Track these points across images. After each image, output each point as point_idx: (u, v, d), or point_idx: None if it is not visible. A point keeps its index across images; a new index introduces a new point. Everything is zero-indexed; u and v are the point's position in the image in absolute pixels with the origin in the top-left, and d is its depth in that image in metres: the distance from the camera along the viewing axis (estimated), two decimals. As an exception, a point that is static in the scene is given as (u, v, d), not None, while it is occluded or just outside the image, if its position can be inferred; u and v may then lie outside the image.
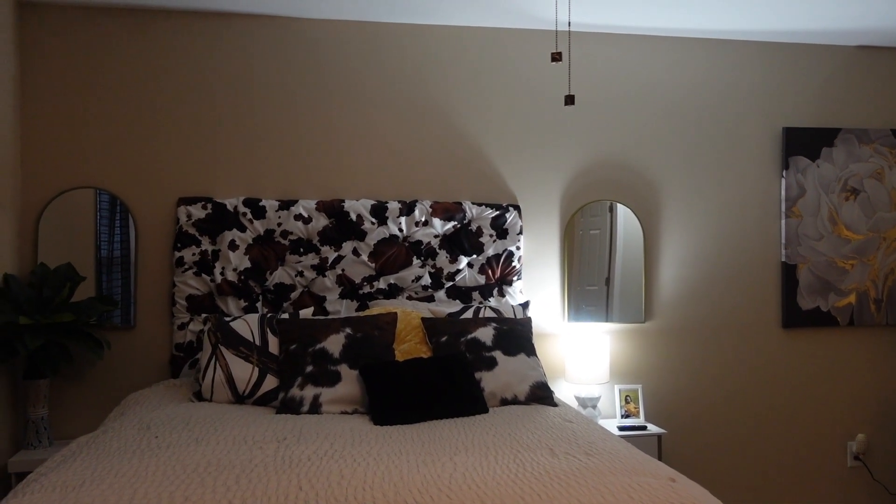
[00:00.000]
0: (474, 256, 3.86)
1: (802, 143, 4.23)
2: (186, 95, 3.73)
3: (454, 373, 3.05)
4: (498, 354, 3.29)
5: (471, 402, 2.96)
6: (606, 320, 4.07)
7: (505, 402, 3.17)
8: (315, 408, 2.96)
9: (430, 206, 3.81)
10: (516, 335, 3.41)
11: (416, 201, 3.82)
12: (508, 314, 3.59)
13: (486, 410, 2.97)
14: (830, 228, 4.26)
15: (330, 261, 3.70)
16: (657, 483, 1.98)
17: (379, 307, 3.57)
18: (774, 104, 4.26)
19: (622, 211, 4.09)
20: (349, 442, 2.41)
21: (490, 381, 3.19)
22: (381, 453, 2.26)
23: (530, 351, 3.39)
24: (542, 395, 3.23)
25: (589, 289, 4.06)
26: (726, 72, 4.21)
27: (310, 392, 3.00)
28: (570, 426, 2.68)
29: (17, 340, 3.18)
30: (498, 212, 3.88)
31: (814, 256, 4.24)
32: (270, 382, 3.14)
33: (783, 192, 4.24)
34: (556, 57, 2.29)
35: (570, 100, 2.35)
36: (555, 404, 3.20)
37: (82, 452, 2.29)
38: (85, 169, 3.65)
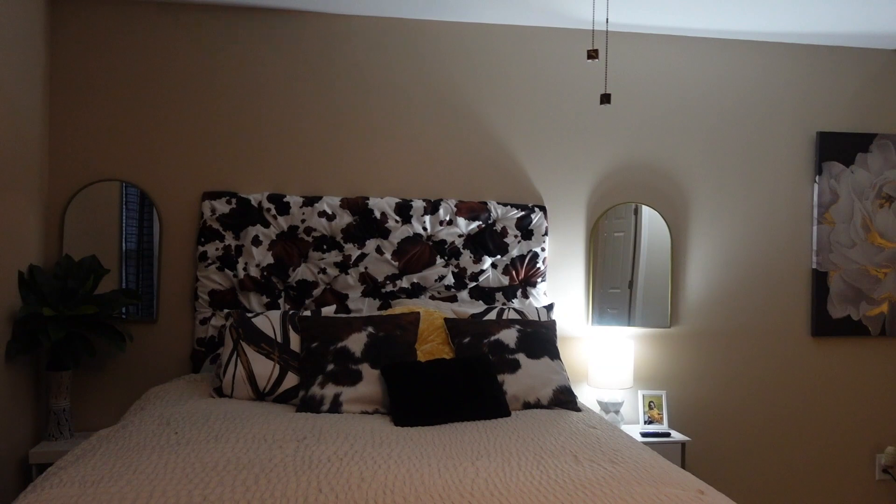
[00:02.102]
0: (498, 257, 3.82)
1: (837, 148, 4.14)
2: (213, 90, 3.72)
3: (477, 375, 3.01)
4: (521, 357, 3.24)
5: (493, 405, 2.91)
6: (629, 323, 4.00)
7: (528, 405, 3.13)
8: (335, 407, 2.93)
9: (455, 206, 3.77)
10: (540, 338, 3.36)
11: (441, 200, 3.78)
12: (532, 316, 3.55)
13: (508, 414, 2.92)
14: (864, 236, 4.16)
15: (353, 258, 3.68)
16: (685, 495, 1.92)
17: (401, 306, 3.54)
18: (809, 108, 4.17)
19: (647, 214, 4.02)
20: (369, 443, 2.37)
21: (513, 384, 3.14)
22: (402, 456, 2.22)
23: (554, 354, 3.34)
24: (565, 399, 3.18)
25: (611, 291, 4.01)
26: (760, 74, 4.13)
27: (330, 391, 2.97)
28: (595, 432, 2.63)
29: (40, 332, 3.19)
30: (523, 212, 3.83)
31: (846, 264, 4.15)
32: (291, 380, 3.12)
33: (816, 198, 4.14)
34: (592, 54, 2.23)
35: (605, 98, 2.30)
36: (578, 409, 3.15)
37: (102, 447, 2.27)
38: (111, 162, 3.65)
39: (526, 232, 3.84)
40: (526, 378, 3.17)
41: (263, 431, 2.46)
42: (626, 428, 3.81)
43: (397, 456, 2.22)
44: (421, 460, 2.18)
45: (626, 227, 4.04)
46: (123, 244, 3.65)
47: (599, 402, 3.80)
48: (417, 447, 2.35)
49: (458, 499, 1.86)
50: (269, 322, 3.28)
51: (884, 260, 4.17)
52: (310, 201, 3.67)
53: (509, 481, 2.00)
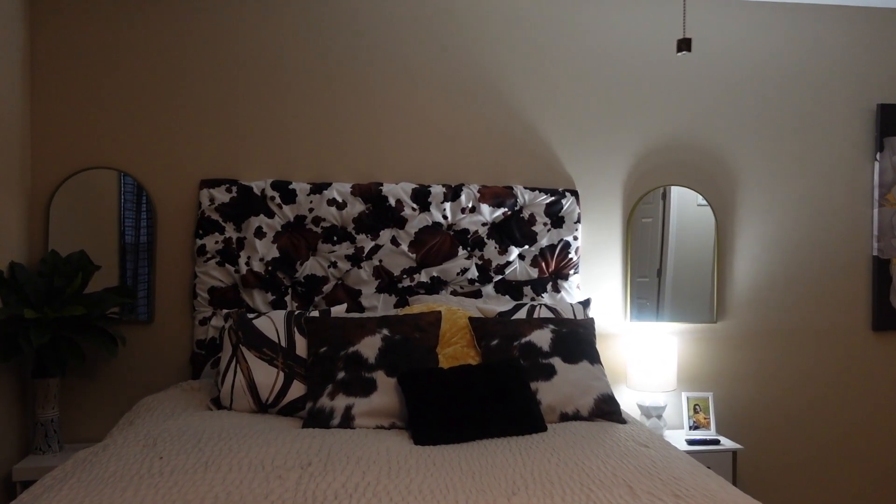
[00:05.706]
0: (526, 247, 3.50)
1: (900, 121, 3.77)
2: (209, 68, 3.39)
3: (507, 383, 2.65)
4: (557, 362, 2.88)
5: (527, 419, 2.55)
6: (657, 314, 3.64)
7: (565, 417, 2.77)
8: (347, 421, 2.59)
9: (478, 191, 3.45)
10: (577, 339, 3.00)
11: (463, 185, 3.45)
12: (567, 314, 3.19)
13: (544, 428, 2.56)
14: (930, 219, 3.79)
15: (366, 251, 3.36)
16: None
17: (420, 304, 3.20)
18: (868, 77, 3.81)
19: (687, 197, 3.65)
20: (385, 470, 2.03)
21: (548, 393, 2.79)
22: (424, 488, 1.87)
23: (594, 358, 2.97)
24: (608, 409, 2.82)
25: (640, 280, 3.65)
26: (815, 41, 3.75)
27: (341, 402, 2.63)
28: (647, 452, 2.27)
29: (21, 336, 2.87)
30: (553, 197, 3.50)
31: (910, 250, 3.78)
32: (297, 390, 2.79)
33: (876, 178, 3.79)
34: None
35: (684, 44, 1.92)
36: (623, 421, 2.79)
37: (74, 476, 1.95)
38: (98, 148, 3.34)
39: (556, 219, 3.50)
40: (563, 386, 2.82)
41: (262, 455, 2.12)
42: (669, 434, 3.47)
43: (418, 489, 1.87)
44: (447, 495, 1.82)
45: (654, 212, 3.68)
46: (122, 238, 3.33)
47: (640, 406, 3.45)
48: (442, 475, 1.99)
49: (494, 551, 1.51)
50: (271, 324, 2.95)
51: (954, 245, 3.79)
52: (318, 188, 3.35)
53: (555, 525, 1.65)
